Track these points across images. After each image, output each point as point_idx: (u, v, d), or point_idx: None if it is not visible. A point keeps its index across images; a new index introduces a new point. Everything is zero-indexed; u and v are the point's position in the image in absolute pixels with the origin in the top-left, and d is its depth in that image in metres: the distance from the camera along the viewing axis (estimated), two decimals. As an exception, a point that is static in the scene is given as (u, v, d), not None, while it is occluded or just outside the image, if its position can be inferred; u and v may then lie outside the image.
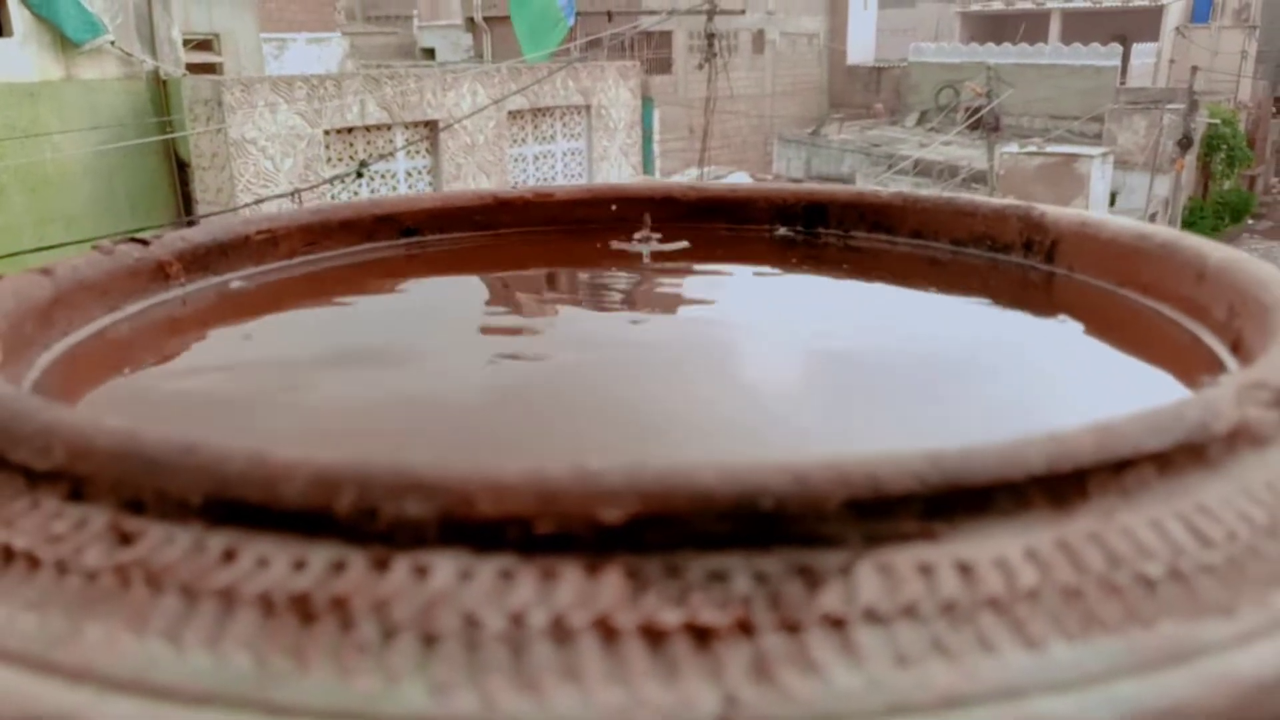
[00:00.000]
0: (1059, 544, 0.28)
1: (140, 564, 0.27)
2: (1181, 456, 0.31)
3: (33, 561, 0.28)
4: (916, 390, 0.52)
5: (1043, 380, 0.54)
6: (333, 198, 6.29)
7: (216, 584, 0.26)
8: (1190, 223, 11.31)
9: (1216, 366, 0.49)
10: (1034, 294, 0.68)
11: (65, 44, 5.85)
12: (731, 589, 0.26)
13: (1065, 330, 0.62)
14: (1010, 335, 0.64)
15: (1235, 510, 0.30)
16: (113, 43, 5.99)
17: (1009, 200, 0.74)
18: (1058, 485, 0.29)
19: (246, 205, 5.67)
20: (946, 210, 0.76)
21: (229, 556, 0.27)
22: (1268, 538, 0.30)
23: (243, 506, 0.27)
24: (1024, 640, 0.26)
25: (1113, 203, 10.05)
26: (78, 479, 0.29)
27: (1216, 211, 12.25)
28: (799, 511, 0.27)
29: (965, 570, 0.27)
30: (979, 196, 0.79)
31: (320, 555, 0.26)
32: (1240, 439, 0.32)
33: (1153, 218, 10.45)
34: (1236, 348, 0.50)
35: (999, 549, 0.28)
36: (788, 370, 0.58)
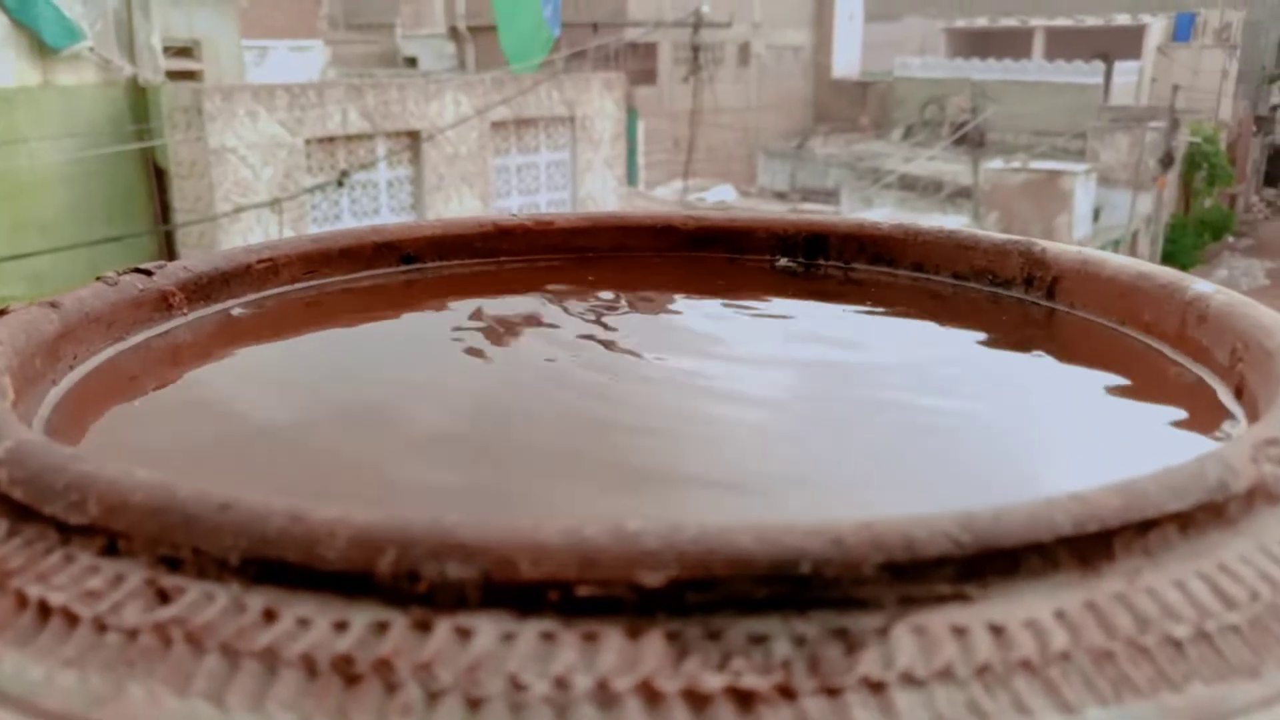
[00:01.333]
0: (1087, 605, 0.29)
1: (180, 622, 0.27)
2: (1202, 516, 0.32)
3: (70, 618, 0.28)
4: (920, 434, 0.52)
5: (1048, 424, 0.54)
6: (313, 207, 6.26)
7: (257, 644, 0.26)
8: (1172, 240, 11.44)
9: (1221, 411, 0.50)
10: (1035, 331, 0.68)
11: (43, 50, 5.81)
12: (772, 652, 0.26)
13: (1068, 369, 0.63)
14: (1013, 374, 0.64)
15: (1256, 569, 0.31)
16: (91, 49, 5.96)
17: (1010, 235, 0.75)
18: (1085, 546, 0.30)
19: (225, 214, 5.64)
20: (948, 243, 0.77)
21: (269, 616, 0.27)
22: (1289, 598, 0.30)
23: (281, 566, 0.27)
24: (1058, 704, 0.26)
25: (1096, 219, 10.15)
26: (113, 534, 0.29)
27: (1198, 229, 12.39)
28: (836, 575, 0.27)
29: (998, 632, 0.28)
30: (980, 230, 0.80)
31: (361, 616, 0.26)
32: (1258, 496, 0.33)
33: (1135, 235, 10.55)
34: (1240, 393, 0.51)
35: (1029, 611, 0.28)
36: (790, 410, 0.58)
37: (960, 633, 0.28)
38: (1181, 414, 0.52)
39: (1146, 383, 0.58)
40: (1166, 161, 10.60)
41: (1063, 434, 0.52)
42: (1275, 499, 0.34)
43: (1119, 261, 0.67)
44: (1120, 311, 0.64)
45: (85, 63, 5.97)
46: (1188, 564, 0.31)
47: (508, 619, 0.26)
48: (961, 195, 10.29)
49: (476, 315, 0.80)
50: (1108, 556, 0.30)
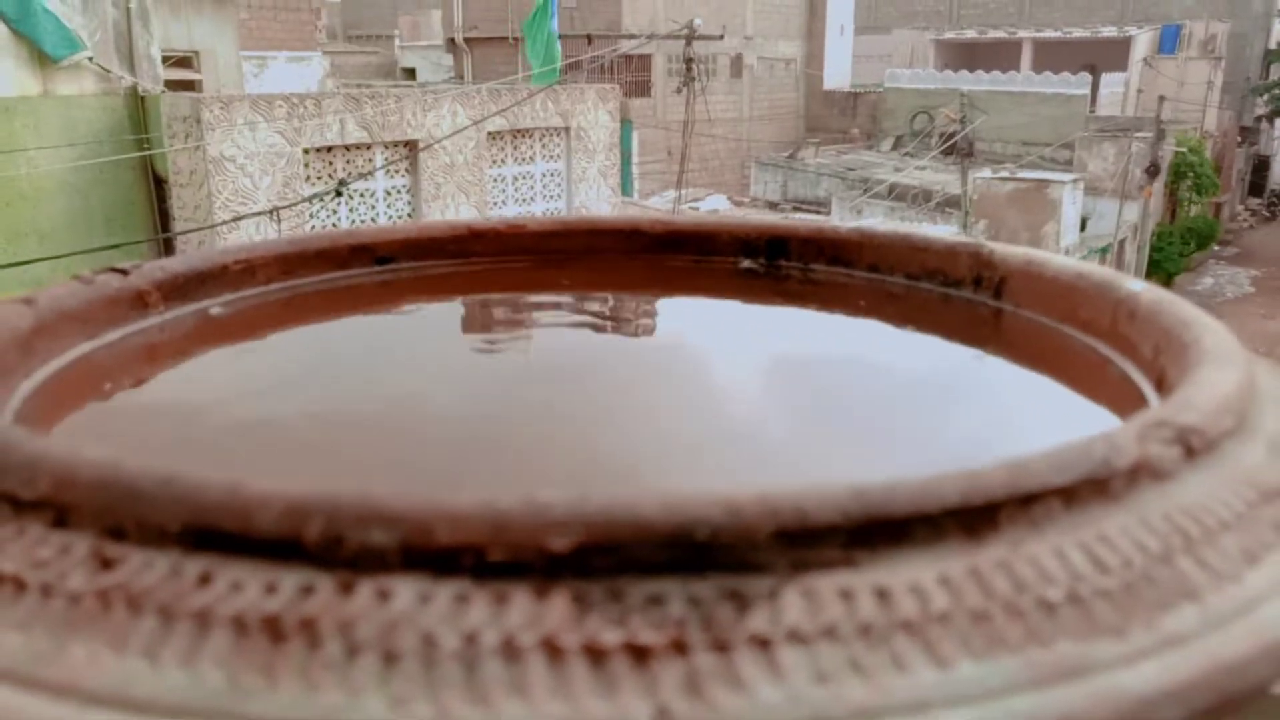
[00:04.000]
0: (970, 571, 0.31)
1: (121, 587, 0.29)
2: (1086, 490, 0.34)
3: (19, 585, 0.30)
4: (858, 420, 0.54)
5: (977, 413, 0.57)
6: (311, 216, 6.27)
7: (192, 606, 0.28)
8: (1158, 248, 11.51)
9: (1141, 402, 0.53)
10: (980, 328, 0.71)
11: (43, 60, 5.83)
12: (668, 612, 0.28)
13: (1004, 364, 0.65)
14: (952, 367, 0.67)
15: (1132, 539, 0.33)
16: (91, 59, 5.98)
17: (960, 238, 0.78)
18: (971, 517, 0.32)
19: (224, 223, 5.65)
20: (901, 246, 0.80)
21: (205, 580, 0.29)
22: (1160, 564, 0.32)
23: (218, 534, 0.29)
24: (934, 659, 0.29)
25: (1083, 228, 10.21)
26: (62, 507, 0.31)
27: (1184, 238, 12.47)
28: (731, 541, 0.29)
29: (882, 595, 0.30)
30: (932, 233, 0.82)
31: (290, 579, 0.29)
32: (1142, 473, 0.35)
33: (1122, 243, 10.62)
34: (1160, 384, 0.53)
35: (915, 576, 0.31)
36: (741, 399, 0.61)
37: (846, 595, 0.30)
38: (1103, 405, 0.54)
39: (1077, 377, 0.60)
40: (1153, 171, 10.69)
41: (986, 423, 0.55)
42: (1160, 476, 0.36)
43: (1060, 262, 0.69)
44: (1060, 310, 0.67)
45: (85, 73, 5.99)
46: (1069, 535, 0.33)
47: (425, 581, 0.28)
48: (951, 204, 10.35)
49: (447, 315, 0.83)
50: (993, 527, 0.32)
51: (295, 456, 0.46)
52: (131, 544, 0.30)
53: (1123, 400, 0.54)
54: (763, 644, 0.28)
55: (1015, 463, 0.34)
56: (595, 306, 0.83)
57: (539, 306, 0.83)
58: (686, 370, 0.69)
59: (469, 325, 0.80)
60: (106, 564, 0.29)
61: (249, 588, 0.28)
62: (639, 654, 0.27)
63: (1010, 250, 0.75)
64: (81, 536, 0.30)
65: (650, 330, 0.79)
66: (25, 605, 0.29)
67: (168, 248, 6.02)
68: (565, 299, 0.84)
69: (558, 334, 0.78)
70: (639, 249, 0.87)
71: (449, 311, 0.82)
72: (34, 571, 0.30)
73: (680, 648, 0.28)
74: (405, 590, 0.28)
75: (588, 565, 0.29)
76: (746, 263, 0.87)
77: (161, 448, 0.45)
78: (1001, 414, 0.56)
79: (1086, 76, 13.94)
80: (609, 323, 0.81)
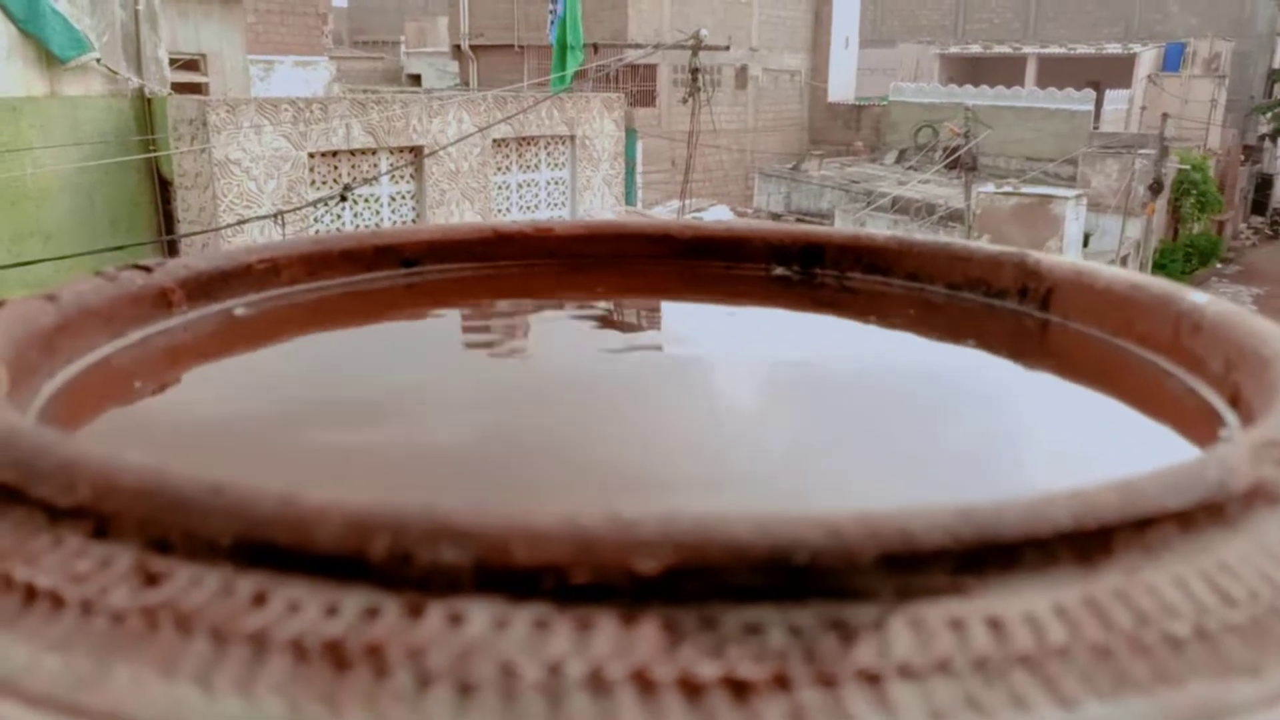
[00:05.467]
0: (1086, 601, 0.29)
1: (168, 605, 0.26)
2: (1202, 515, 0.32)
3: (57, 601, 0.27)
4: (910, 438, 0.52)
5: (1045, 432, 0.54)
6: (316, 220, 6.25)
7: (247, 628, 0.26)
8: (1161, 265, 11.51)
9: (1216, 420, 0.50)
10: (1029, 342, 0.68)
11: (51, 60, 5.81)
12: (767, 642, 0.26)
13: (1059, 379, 0.63)
14: (1002, 382, 0.64)
15: (1256, 569, 0.31)
16: (99, 60, 5.96)
17: (1004, 247, 0.75)
18: (1084, 542, 0.30)
19: (228, 225, 5.63)
20: (942, 255, 0.77)
21: (259, 600, 0.26)
22: (1288, 597, 0.30)
23: (273, 549, 0.27)
24: (1057, 698, 0.26)
25: (1086, 244, 10.21)
26: (102, 517, 0.28)
27: (1186, 255, 12.47)
28: (832, 565, 0.27)
29: (996, 626, 0.28)
30: (974, 242, 0.80)
31: (353, 601, 0.26)
32: (1257, 497, 0.33)
33: (1124, 260, 10.62)
34: (1235, 401, 0.51)
35: (1028, 605, 0.28)
36: (786, 415, 0.58)
37: (957, 625, 0.27)
38: (1178, 422, 0.52)
39: (1140, 394, 0.58)
40: (1156, 188, 10.69)
41: (1058, 442, 0.52)
42: (1275, 500, 0.34)
43: (1112, 273, 0.67)
44: (1114, 323, 0.64)
45: (92, 74, 5.97)
46: (1187, 562, 0.31)
47: (501, 604, 0.26)
48: (954, 218, 10.35)
49: (473, 319, 0.80)
50: (1106, 553, 0.30)
51: (341, 466, 0.43)
52: (179, 558, 0.27)
53: (1194, 419, 0.51)
54: (872, 679, 0.26)
55: (1126, 484, 0.32)
56: (625, 314, 0.81)
57: (569, 313, 0.81)
58: (726, 383, 0.66)
59: (499, 332, 0.77)
60: (152, 579, 0.27)
61: (308, 609, 0.26)
62: (739, 689, 0.25)
63: (1057, 260, 0.73)
64: (124, 549, 0.28)
65: (686, 340, 0.76)
66: (64, 623, 0.27)
67: (172, 249, 6.00)
68: (595, 305, 0.82)
69: (590, 342, 0.75)
70: (668, 254, 0.85)
71: (477, 317, 0.80)
72: (73, 586, 0.27)
73: (783, 682, 0.25)
74: (480, 614, 0.26)
75: (678, 590, 0.26)
76: (780, 270, 0.85)
77: (198, 454, 0.43)
78: (1066, 433, 0.54)
79: (1091, 93, 13.95)
80: (641, 331, 0.78)
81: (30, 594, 0.27)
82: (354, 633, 0.25)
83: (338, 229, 6.37)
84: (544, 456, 0.49)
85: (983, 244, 0.78)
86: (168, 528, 0.27)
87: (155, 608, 0.26)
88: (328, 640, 0.25)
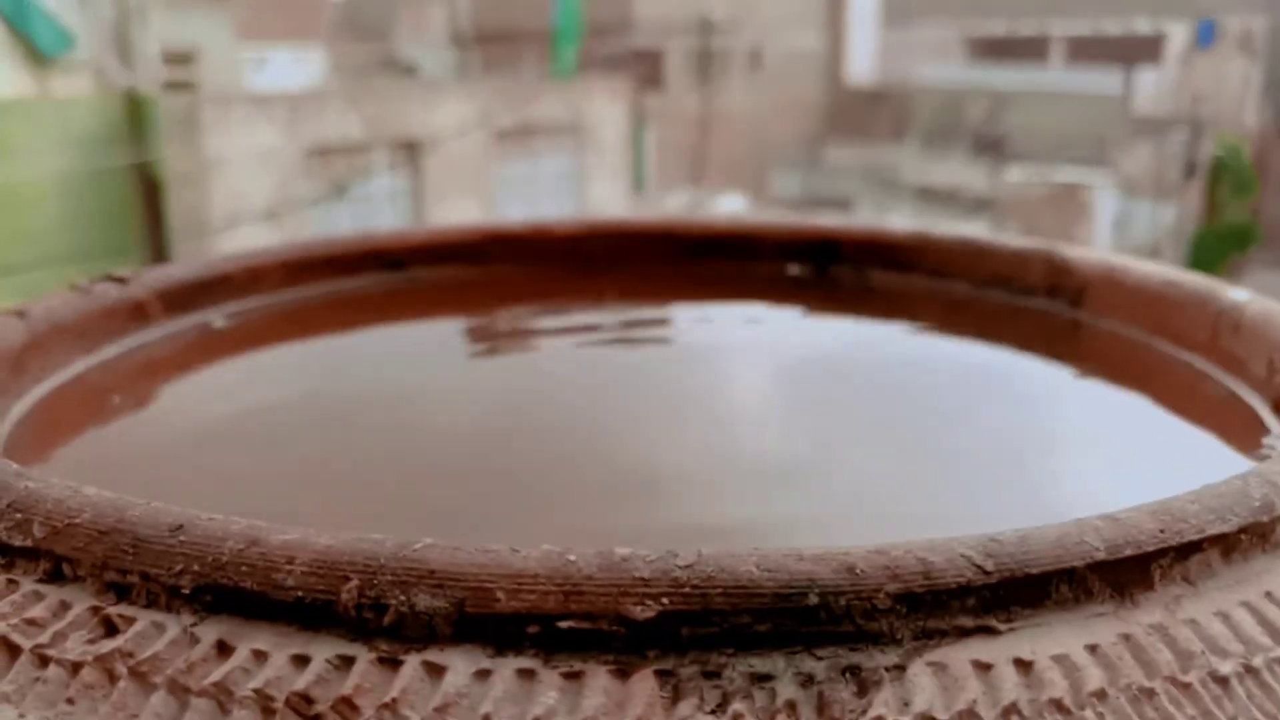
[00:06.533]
0: (1123, 639, 0.26)
1: (126, 655, 0.25)
2: (1247, 539, 0.29)
3: (11, 649, 0.25)
4: (938, 454, 0.49)
5: (1077, 441, 0.51)
6: (312, 218, 6.18)
7: (209, 680, 0.24)
8: (1196, 252, 11.31)
9: (1260, 427, 0.47)
10: (1060, 342, 0.65)
11: (38, 59, 5.77)
12: (776, 693, 0.24)
13: (1091, 380, 0.60)
14: (1032, 385, 0.62)
15: (1309, 600, 0.28)
16: (86, 58, 5.93)
17: (1031, 241, 0.72)
18: (1120, 572, 0.27)
19: (222, 225, 5.59)
20: (966, 250, 0.74)
21: (223, 649, 0.24)
22: (1348, 632, 0.27)
23: (237, 594, 0.25)
24: (1093, 752, 0.24)
25: (1118, 230, 10.06)
26: (57, 558, 0.26)
27: (1222, 239, 12.26)
28: (846, 607, 0.25)
29: (1025, 668, 0.25)
30: (1000, 236, 0.77)
31: (323, 650, 0.24)
32: (1309, 519, 0.30)
33: (1157, 245, 10.46)
34: (1279, 408, 0.48)
35: (1059, 644, 0.26)
36: (803, 427, 0.56)
37: (984, 669, 0.25)
38: (1217, 430, 0.49)
39: (1175, 397, 0.55)
40: (1190, 172, 10.50)
41: (1090, 452, 0.50)
42: (1327, 521, 0.31)
43: (1145, 269, 0.64)
44: (1148, 321, 0.61)
45: (80, 71, 5.92)
46: (1232, 592, 0.28)
47: (482, 655, 0.24)
48: (980, 205, 10.22)
49: (465, 329, 0.78)
50: (1145, 584, 0.28)
51: (320, 491, 0.42)
52: (138, 603, 0.25)
53: (1235, 426, 0.48)
54: (889, 733, 0.23)
55: (1164, 507, 0.29)
56: (627, 319, 0.78)
57: (567, 319, 0.78)
58: (739, 395, 0.63)
59: (491, 341, 0.75)
60: (110, 627, 0.25)
61: (274, 659, 0.24)
62: (742, 747, 0.23)
63: (1088, 255, 0.70)
64: (80, 592, 0.26)
65: (693, 349, 0.74)
66: (19, 673, 0.25)
67: (164, 250, 5.96)
68: (594, 310, 0.79)
69: (588, 353, 0.72)
70: (674, 254, 0.82)
71: (467, 325, 0.77)
72: (26, 633, 0.25)
73: (791, 739, 0.23)
74: (460, 665, 0.24)
75: (677, 637, 0.24)
76: (794, 268, 0.82)
77: (171, 483, 0.41)
78: (1096, 440, 0.51)
79: (1120, 73, 13.72)
80: (646, 340, 0.75)
81: (-16, 642, 0.26)
82: (323, 686, 0.24)
83: (334, 226, 6.32)
84: (543, 475, 0.47)
85: (1008, 238, 0.75)
86: (125, 570, 0.25)
87: (112, 657, 0.24)
88: (294, 694, 0.23)
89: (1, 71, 5.55)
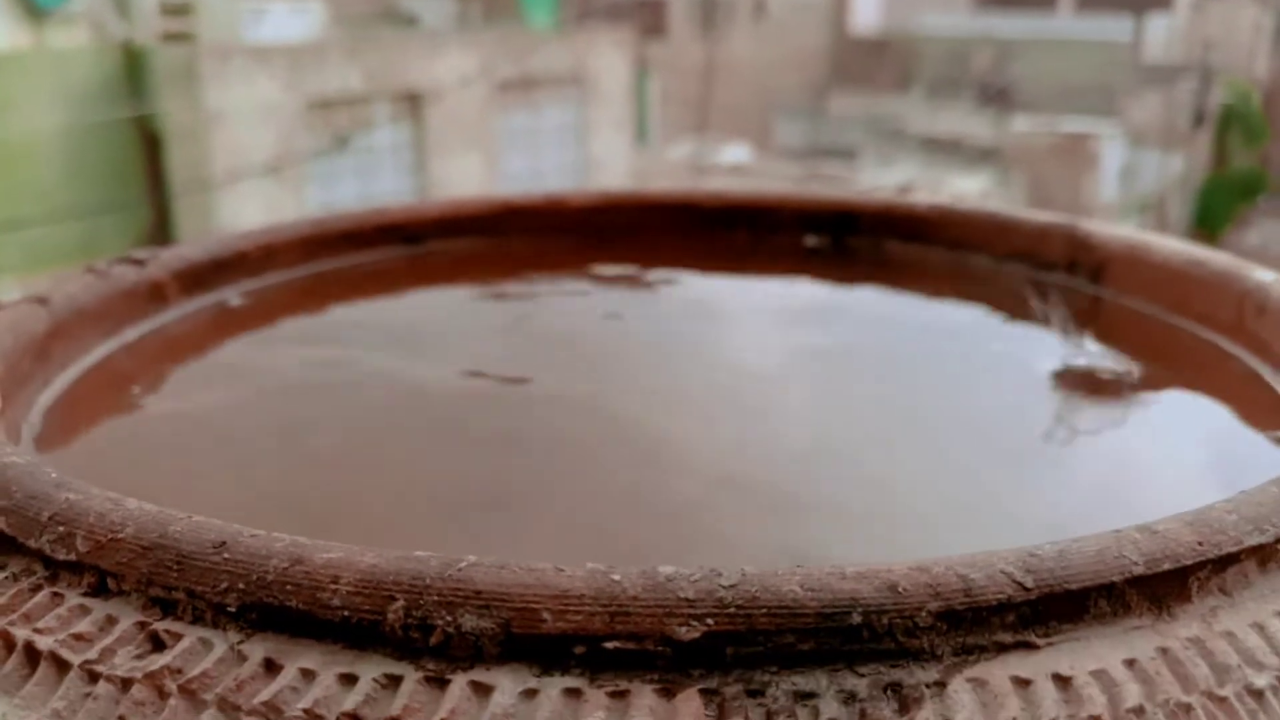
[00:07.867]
0: (1161, 652, 0.26)
1: (175, 672, 0.25)
2: (1283, 548, 0.29)
3: (60, 664, 0.26)
4: (956, 436, 0.49)
5: (1100, 430, 0.51)
6: (314, 170, 6.09)
7: (259, 699, 0.24)
8: (1204, 201, 11.20)
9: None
10: (1080, 320, 0.65)
11: (34, 11, 5.67)
12: (819, 710, 0.24)
13: (1112, 361, 0.59)
14: (1052, 365, 0.61)
15: (1345, 611, 0.28)
16: (82, 9, 5.81)
17: (1053, 216, 0.72)
18: (1157, 585, 0.27)
19: (223, 179, 5.53)
20: (986, 224, 0.74)
21: (271, 667, 0.25)
22: (1383, 644, 0.28)
23: (283, 612, 0.25)
24: (1132, 769, 0.24)
25: (1126, 180, 9.96)
26: (102, 572, 0.27)
27: (1230, 189, 12.14)
28: (889, 624, 0.25)
29: (1064, 684, 0.25)
30: (1021, 210, 0.76)
31: (370, 669, 0.24)
32: (1344, 526, 0.30)
33: (1164, 195, 10.37)
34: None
35: (1098, 659, 0.26)
36: (819, 412, 0.56)
37: (1023, 685, 0.25)
38: (1244, 417, 0.49)
39: (1200, 380, 0.55)
40: (1199, 120, 10.37)
41: (1114, 442, 0.49)
42: (1361, 527, 0.31)
43: (1170, 246, 0.64)
44: (1171, 300, 0.61)
45: (78, 24, 5.81)
46: (1266, 603, 0.28)
47: (529, 674, 0.24)
48: (986, 155, 10.11)
49: (484, 301, 0.77)
50: (1182, 597, 0.28)
51: (362, 484, 0.42)
52: (184, 619, 0.26)
53: (1262, 412, 0.48)
54: (931, 751, 0.24)
55: (1200, 518, 0.29)
56: (647, 294, 0.77)
57: (587, 293, 0.77)
58: (763, 373, 0.63)
59: (510, 317, 0.74)
60: (157, 643, 0.25)
61: (322, 678, 0.24)
62: (787, 766, 0.23)
63: (1110, 231, 0.69)
64: (126, 607, 0.26)
65: (717, 323, 0.73)
66: (69, 689, 0.25)
67: (165, 205, 5.89)
68: (613, 285, 0.78)
69: (609, 327, 0.71)
70: (692, 225, 0.82)
71: (486, 300, 0.76)
72: (75, 649, 0.26)
73: (835, 758, 0.23)
74: (507, 684, 0.24)
75: (721, 656, 0.24)
76: (811, 240, 0.81)
77: (206, 480, 0.41)
78: (1119, 427, 0.51)
79: (1130, 20, 13.49)
80: (667, 314, 0.74)
81: (31, 656, 0.26)
82: (371, 705, 0.24)
83: (336, 177, 6.23)
84: (582, 475, 0.47)
85: (1029, 212, 0.75)
86: (171, 587, 0.26)
87: (161, 674, 0.25)
88: (345, 712, 0.24)
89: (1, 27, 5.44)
